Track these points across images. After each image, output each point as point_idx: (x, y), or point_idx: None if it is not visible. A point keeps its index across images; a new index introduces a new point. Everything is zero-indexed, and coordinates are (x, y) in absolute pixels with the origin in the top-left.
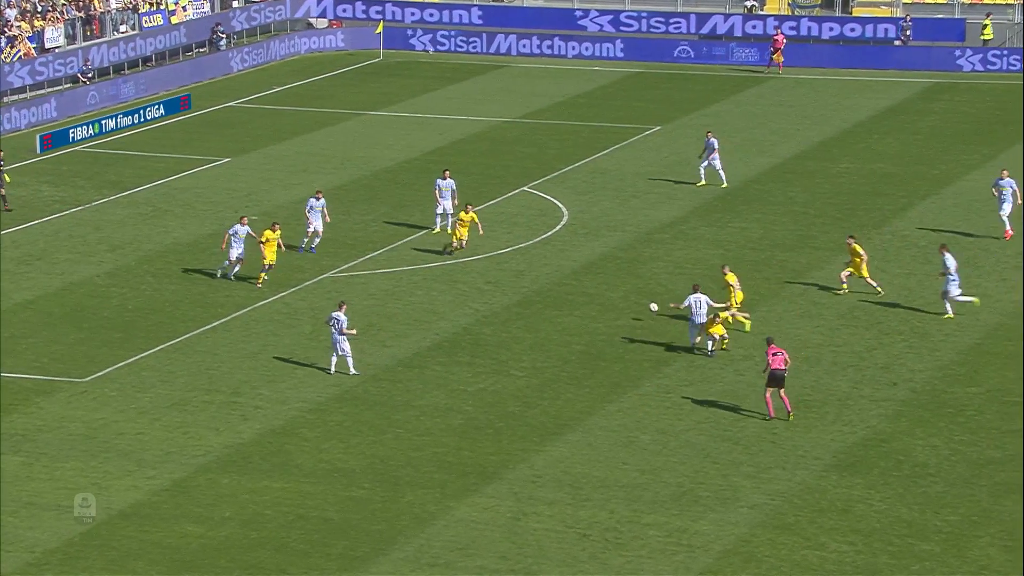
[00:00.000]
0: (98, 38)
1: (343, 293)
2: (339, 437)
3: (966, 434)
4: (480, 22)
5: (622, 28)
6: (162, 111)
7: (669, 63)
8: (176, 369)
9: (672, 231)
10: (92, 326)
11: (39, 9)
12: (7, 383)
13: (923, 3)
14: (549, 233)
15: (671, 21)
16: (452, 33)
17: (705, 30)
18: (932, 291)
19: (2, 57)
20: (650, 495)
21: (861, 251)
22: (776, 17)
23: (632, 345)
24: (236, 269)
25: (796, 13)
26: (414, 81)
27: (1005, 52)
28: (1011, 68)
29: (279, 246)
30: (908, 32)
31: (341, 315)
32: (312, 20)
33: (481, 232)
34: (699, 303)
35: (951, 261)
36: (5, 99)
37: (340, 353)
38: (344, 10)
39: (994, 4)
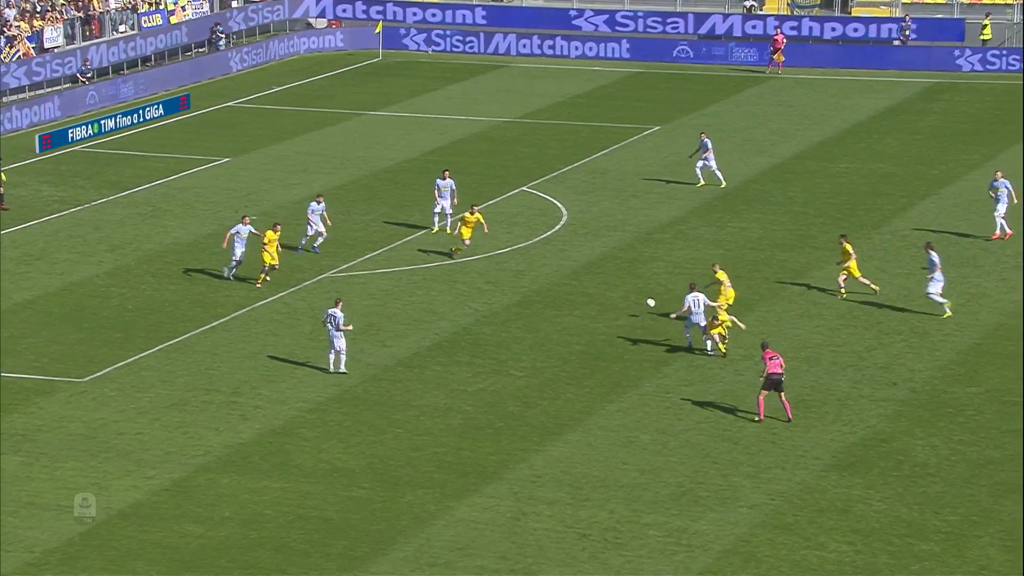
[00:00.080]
0: (97, 38)
1: (343, 293)
2: (339, 437)
3: (966, 434)
4: (481, 22)
5: (622, 28)
6: (161, 111)
7: (669, 63)
8: (176, 369)
9: (672, 231)
10: (92, 326)
11: (38, 9)
12: (7, 383)
13: (922, 3)
14: (549, 233)
15: (669, 21)
16: (448, 33)
17: (704, 30)
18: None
19: (1, 57)
20: (650, 495)
21: (851, 251)
22: (776, 17)
23: (632, 345)
24: (235, 269)
25: (795, 13)
26: (414, 81)
27: (1004, 52)
28: (1010, 68)
29: (276, 247)
30: (908, 32)
31: (337, 312)
32: (311, 20)
33: (487, 231)
34: (697, 302)
35: (936, 259)
36: (4, 99)
37: (336, 350)
38: (344, 10)
39: (993, 4)
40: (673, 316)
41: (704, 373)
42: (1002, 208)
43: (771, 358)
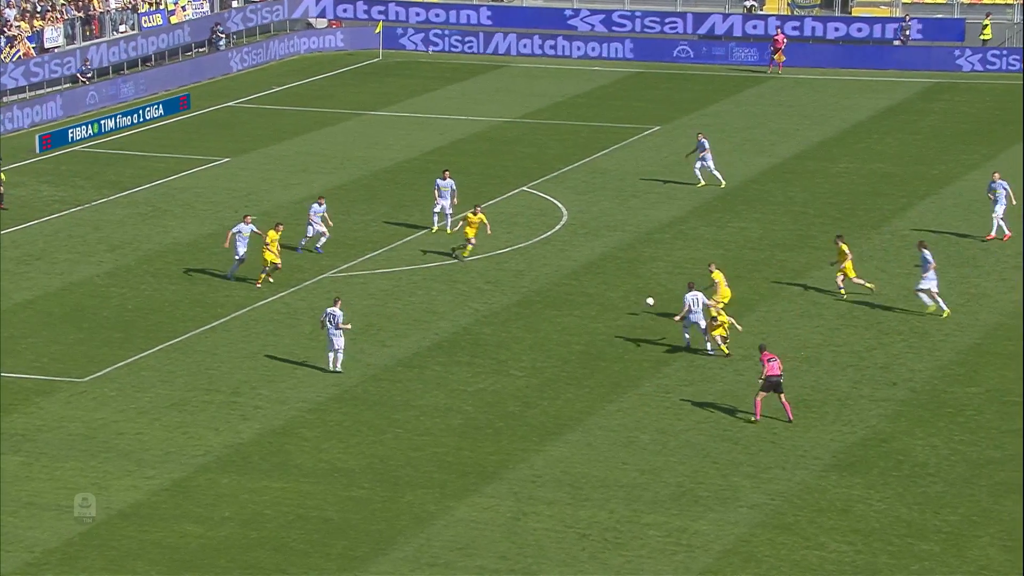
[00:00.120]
0: (97, 38)
1: (343, 293)
2: (339, 437)
3: (966, 434)
4: (485, 22)
5: (621, 28)
6: (161, 111)
7: (669, 63)
8: (176, 369)
9: (672, 231)
10: (92, 326)
11: (38, 9)
12: (7, 383)
13: (923, 3)
14: (549, 233)
15: (670, 21)
16: (446, 32)
17: (705, 30)
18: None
19: (1, 57)
20: (650, 495)
21: (847, 251)
22: (777, 17)
23: (632, 345)
24: (236, 269)
25: (795, 13)
26: (414, 81)
27: (1004, 52)
28: (1010, 68)
29: (278, 247)
30: (908, 32)
31: (336, 310)
32: (312, 20)
33: (489, 232)
34: (696, 300)
35: (929, 257)
36: (5, 99)
37: (335, 349)
38: (345, 10)
39: (993, 4)
40: (677, 319)
41: (704, 373)
42: (1000, 209)
43: (769, 360)
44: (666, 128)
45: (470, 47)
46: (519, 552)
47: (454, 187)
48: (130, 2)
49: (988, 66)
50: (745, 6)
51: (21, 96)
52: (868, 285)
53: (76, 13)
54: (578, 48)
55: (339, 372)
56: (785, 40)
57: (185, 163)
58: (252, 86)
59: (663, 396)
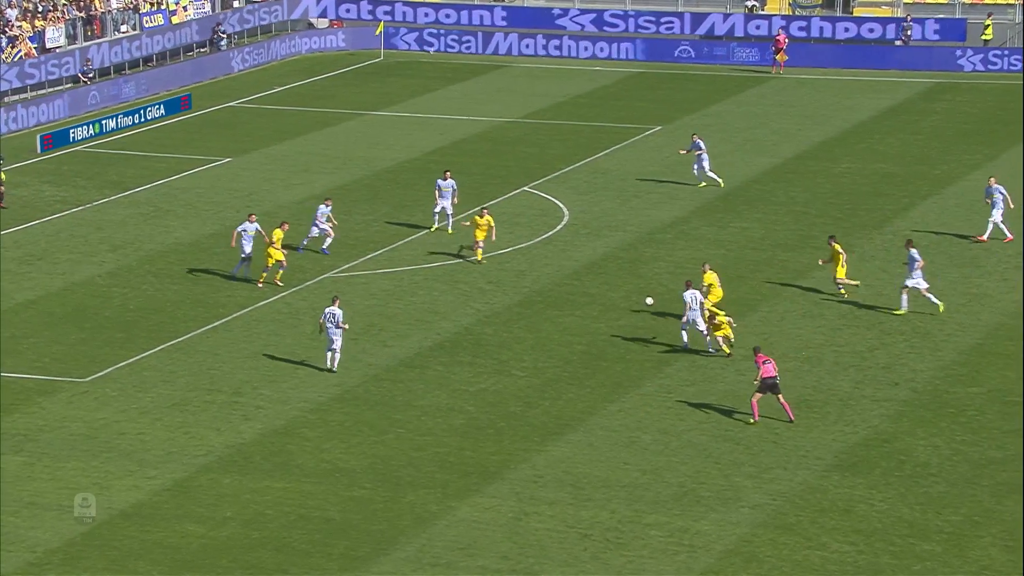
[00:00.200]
0: (99, 38)
1: (344, 293)
2: (340, 437)
3: (968, 434)
4: (480, 22)
5: (623, 28)
6: (163, 111)
7: (670, 63)
8: (177, 369)
9: (673, 231)
10: (93, 326)
11: (40, 9)
12: (8, 383)
13: (924, 3)
14: (550, 233)
15: (671, 21)
16: (442, 32)
17: (706, 30)
18: (933, 291)
19: (3, 57)
20: (651, 495)
21: (841, 251)
22: (781, 17)
23: (633, 345)
24: (240, 267)
25: (796, 13)
26: (415, 81)
27: (1006, 52)
28: (1012, 68)
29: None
30: (909, 32)
31: (336, 309)
32: (313, 20)
33: (494, 238)
34: (694, 299)
35: (917, 256)
36: (6, 99)
37: (334, 348)
38: (347, 10)
39: (995, 4)
40: (683, 320)
41: (706, 373)
42: (997, 214)
43: (764, 362)
44: (668, 128)
45: (469, 47)
46: (521, 552)
47: (455, 187)
48: (131, 2)
49: (990, 66)
50: (746, 6)
51: (23, 96)
52: (852, 282)
53: (78, 13)
54: (580, 48)
55: (334, 372)
56: (787, 40)
57: (186, 163)
58: (253, 86)
59: (665, 396)
